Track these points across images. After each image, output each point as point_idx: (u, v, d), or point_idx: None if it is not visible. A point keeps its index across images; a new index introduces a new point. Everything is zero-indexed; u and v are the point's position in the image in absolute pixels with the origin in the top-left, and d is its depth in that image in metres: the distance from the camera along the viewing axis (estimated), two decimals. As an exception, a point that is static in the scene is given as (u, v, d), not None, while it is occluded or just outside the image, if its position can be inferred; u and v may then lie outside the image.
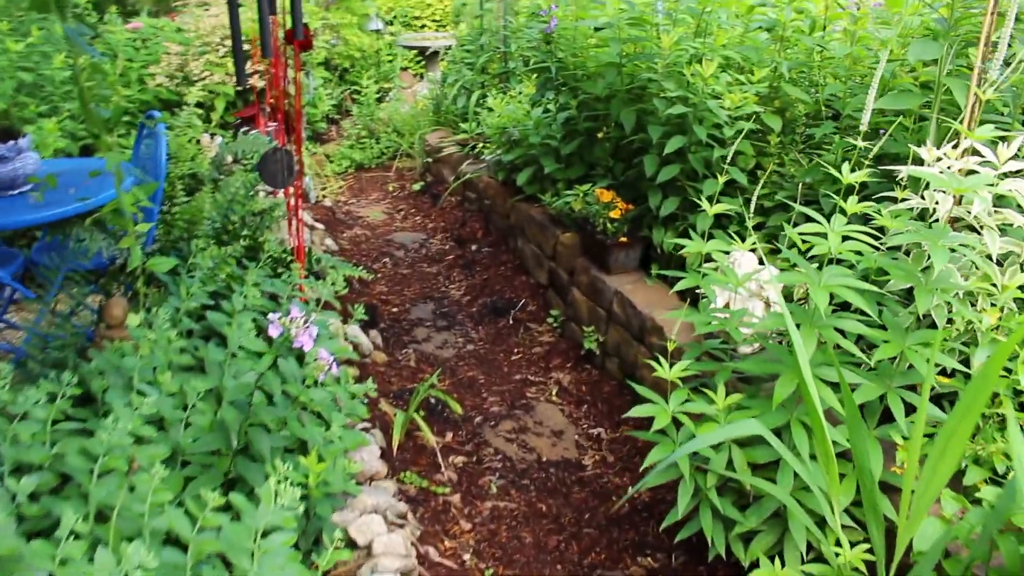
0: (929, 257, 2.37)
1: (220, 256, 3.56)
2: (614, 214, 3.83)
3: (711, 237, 3.60)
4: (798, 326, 2.05)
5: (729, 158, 2.97)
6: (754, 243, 3.41)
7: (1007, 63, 2.42)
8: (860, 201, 2.27)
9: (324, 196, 6.75)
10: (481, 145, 6.00)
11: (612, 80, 4.09)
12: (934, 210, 2.34)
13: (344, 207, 6.65)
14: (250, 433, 2.46)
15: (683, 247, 3.81)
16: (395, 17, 10.44)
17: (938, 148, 2.45)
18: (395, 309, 4.73)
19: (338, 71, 8.76)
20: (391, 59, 9.43)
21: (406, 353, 4.25)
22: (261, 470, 2.47)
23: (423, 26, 10.91)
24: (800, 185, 3.43)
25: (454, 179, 6.23)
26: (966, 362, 2.39)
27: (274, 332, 2.24)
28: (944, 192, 2.20)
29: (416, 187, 6.87)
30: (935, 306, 2.21)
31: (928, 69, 2.93)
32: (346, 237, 5.91)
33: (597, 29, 4.19)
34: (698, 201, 3.62)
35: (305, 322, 2.27)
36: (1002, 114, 2.78)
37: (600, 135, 4.27)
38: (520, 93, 5.79)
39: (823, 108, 3.76)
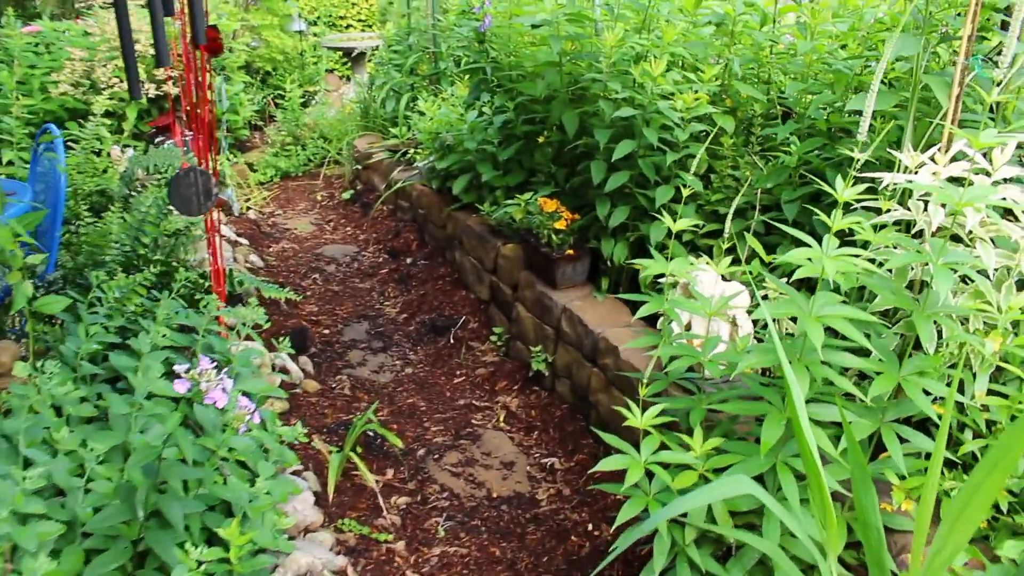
0: (913, 269, 2.16)
1: (128, 285, 3.21)
2: (559, 225, 3.57)
3: (664, 249, 3.36)
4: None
5: (694, 165, 2.72)
6: (730, 265, 3.19)
7: (991, 59, 2.22)
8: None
9: (248, 208, 6.38)
10: (413, 151, 5.69)
11: (552, 80, 3.82)
12: (917, 221, 2.13)
13: (270, 219, 6.28)
14: (159, 500, 2.14)
15: (638, 258, 3.58)
16: (319, 17, 10.05)
17: (916, 151, 2.24)
18: (327, 331, 4.40)
19: (260, 75, 8.35)
20: (316, 61, 9.04)
21: (340, 380, 3.94)
22: (176, 539, 2.15)
23: (348, 26, 10.54)
24: (759, 191, 3.21)
25: (385, 187, 5.91)
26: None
27: (181, 388, 1.93)
28: (934, 203, 1.98)
29: (346, 196, 6.54)
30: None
31: (899, 65, 2.72)
32: (272, 252, 5.56)
33: (534, 27, 3.93)
34: (650, 210, 3.38)
35: (218, 373, 1.96)
36: (976, 113, 2.59)
37: (540, 139, 4.01)
38: (452, 95, 5.50)
39: (777, 107, 3.55)
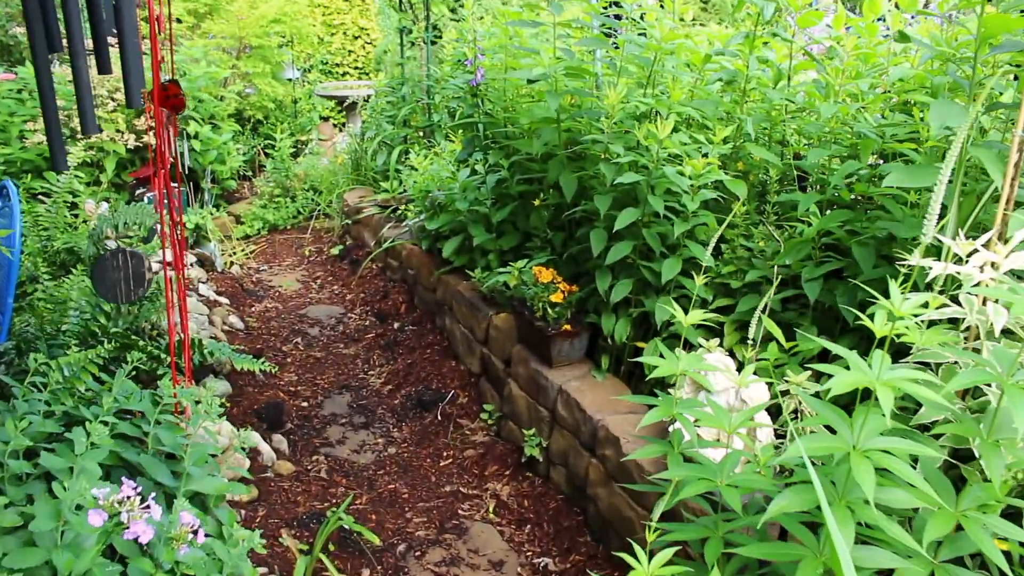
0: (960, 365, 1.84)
1: (78, 363, 2.90)
2: (555, 297, 3.26)
3: (670, 325, 3.06)
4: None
5: (711, 244, 2.42)
6: (738, 343, 2.89)
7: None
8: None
9: (232, 263, 6.09)
10: (404, 207, 5.41)
11: (549, 138, 3.54)
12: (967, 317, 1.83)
13: (254, 275, 5.99)
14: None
15: (642, 335, 3.27)
16: (314, 65, 9.84)
17: (962, 232, 1.94)
18: (305, 403, 4.08)
19: (251, 123, 8.12)
20: (310, 110, 8.82)
21: (316, 460, 3.61)
22: None
23: (344, 74, 10.34)
24: (775, 265, 2.91)
25: (375, 244, 5.63)
26: (1016, 515, 1.86)
27: (96, 520, 1.61)
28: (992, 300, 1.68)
29: (334, 251, 6.25)
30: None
31: (933, 132, 2.43)
32: (254, 312, 5.26)
33: (530, 81, 3.66)
34: (654, 283, 3.08)
35: (143, 501, 1.65)
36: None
37: (536, 202, 3.71)
38: (446, 150, 5.23)
39: (794, 171, 3.27)
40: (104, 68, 1.82)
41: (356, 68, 10.37)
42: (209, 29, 7.96)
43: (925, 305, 1.63)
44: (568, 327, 3.27)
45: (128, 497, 1.62)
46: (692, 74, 3.50)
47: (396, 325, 4.81)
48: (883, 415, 1.39)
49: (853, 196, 2.82)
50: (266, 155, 7.68)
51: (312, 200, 7.06)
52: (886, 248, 2.63)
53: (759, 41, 3.24)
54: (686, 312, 3.15)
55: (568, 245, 3.63)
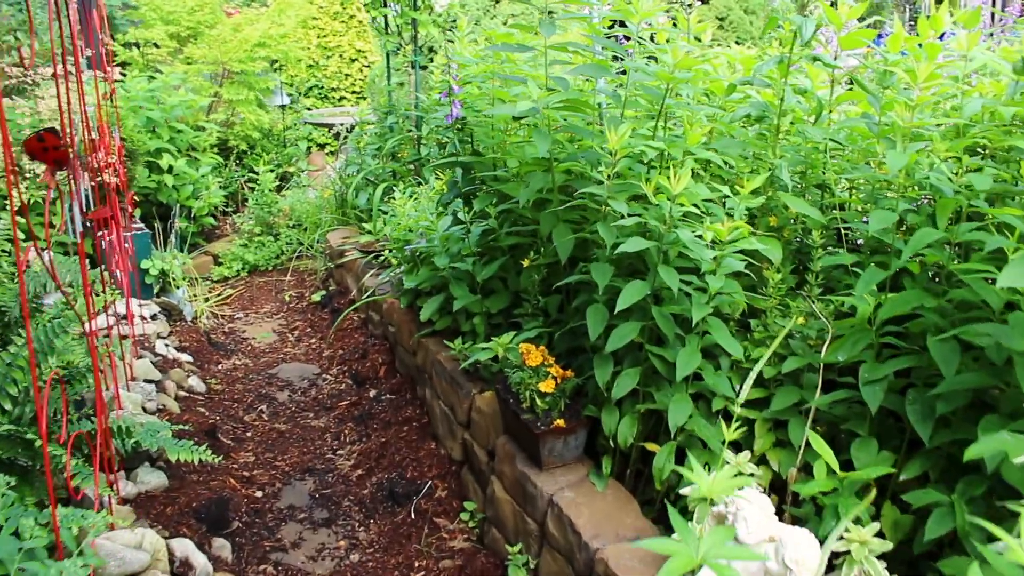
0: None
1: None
2: (545, 386, 2.64)
3: (687, 423, 2.43)
4: None
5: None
6: (774, 446, 2.29)
7: None
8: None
9: (204, 311, 5.50)
10: (388, 253, 4.81)
11: (541, 184, 2.92)
12: None
13: (227, 325, 5.41)
14: None
15: (651, 434, 2.65)
16: (307, 90, 9.29)
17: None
18: (259, 493, 3.47)
19: (235, 153, 7.56)
20: (303, 137, 8.27)
21: (264, 572, 3.00)
22: None
23: (341, 99, 9.79)
24: (821, 348, 2.29)
25: (357, 291, 5.04)
26: None
27: None
28: None
29: (316, 297, 5.65)
30: None
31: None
32: (220, 371, 4.66)
33: (516, 118, 3.06)
34: (667, 374, 2.46)
35: None
36: None
37: (526, 262, 3.09)
38: (433, 188, 4.63)
39: (841, 227, 2.65)
40: None
41: (353, 92, 9.82)
42: (191, 54, 7.42)
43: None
44: (561, 422, 2.65)
45: None
46: (712, 107, 2.90)
47: (373, 393, 4.20)
48: None
49: (924, 268, 2.19)
50: (250, 188, 7.11)
51: (295, 239, 6.48)
52: (966, 335, 2.00)
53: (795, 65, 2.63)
54: (708, 402, 2.54)
55: (565, 312, 3.02)
